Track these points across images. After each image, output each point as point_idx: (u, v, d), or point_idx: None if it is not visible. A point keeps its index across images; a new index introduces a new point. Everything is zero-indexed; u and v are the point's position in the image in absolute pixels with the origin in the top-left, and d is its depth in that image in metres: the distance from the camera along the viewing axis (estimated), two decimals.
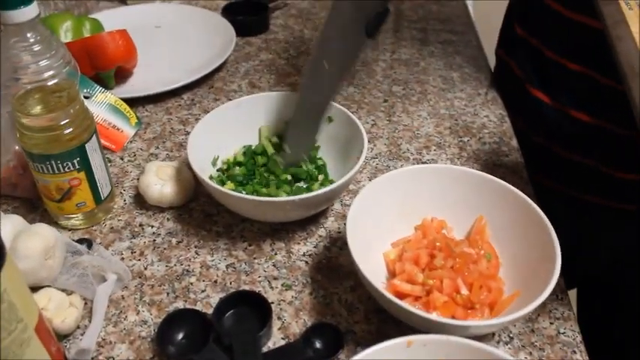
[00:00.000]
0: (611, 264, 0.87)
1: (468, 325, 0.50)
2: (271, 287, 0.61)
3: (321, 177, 0.70)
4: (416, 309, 0.49)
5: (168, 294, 0.60)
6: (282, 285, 0.61)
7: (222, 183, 0.68)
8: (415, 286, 0.55)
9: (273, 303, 0.59)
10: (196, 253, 0.64)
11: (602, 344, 0.83)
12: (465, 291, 0.55)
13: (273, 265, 0.63)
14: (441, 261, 0.56)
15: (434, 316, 0.52)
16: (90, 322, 0.56)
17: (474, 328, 0.50)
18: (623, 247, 0.80)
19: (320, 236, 0.66)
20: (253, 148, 0.72)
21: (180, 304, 0.59)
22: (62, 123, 0.59)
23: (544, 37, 0.78)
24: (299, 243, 0.66)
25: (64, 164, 0.61)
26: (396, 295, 0.54)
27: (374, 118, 0.85)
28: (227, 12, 1.05)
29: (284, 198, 0.63)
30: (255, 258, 0.64)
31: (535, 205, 0.58)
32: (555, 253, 0.54)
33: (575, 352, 0.56)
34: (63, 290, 0.57)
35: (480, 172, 0.63)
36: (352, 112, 0.83)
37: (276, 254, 0.64)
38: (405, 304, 0.49)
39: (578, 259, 0.71)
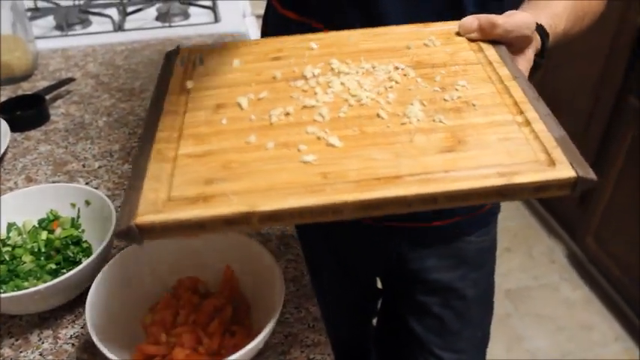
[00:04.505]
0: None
1: None
2: None
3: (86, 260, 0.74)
4: None
5: None
6: None
7: None
8: (160, 346, 0.61)
9: None
10: None
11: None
12: (206, 341, 0.61)
13: (40, 355, 0.66)
14: (182, 318, 0.62)
15: None
16: None
17: None
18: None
19: None
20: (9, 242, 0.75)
21: None
22: None
23: None
24: (67, 327, 0.69)
25: None
26: (146, 357, 0.60)
27: None
28: (3, 109, 1.06)
29: (22, 292, 0.64)
30: (21, 352, 0.66)
31: (265, 251, 0.66)
32: (278, 292, 0.61)
33: None
34: None
35: None
36: (125, 189, 0.88)
37: (43, 343, 0.67)
38: None
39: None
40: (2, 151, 0.95)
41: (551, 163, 0.48)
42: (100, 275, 0.64)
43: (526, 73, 0.62)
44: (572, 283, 2.07)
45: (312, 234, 0.85)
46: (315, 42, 0.66)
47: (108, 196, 0.77)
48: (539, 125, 0.51)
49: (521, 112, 0.53)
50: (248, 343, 0.58)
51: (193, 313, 0.63)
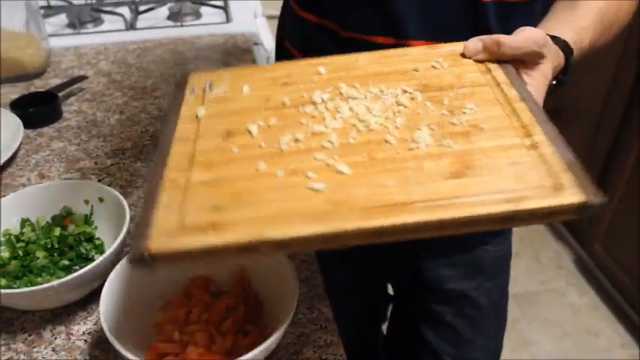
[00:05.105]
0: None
1: None
2: None
3: (98, 256, 0.74)
4: None
5: None
6: None
7: None
8: (173, 344, 0.61)
9: None
10: None
11: None
12: (219, 340, 0.61)
13: (53, 350, 0.66)
14: (195, 317, 0.63)
15: None
16: None
17: None
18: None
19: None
20: (22, 237, 0.75)
21: None
22: None
23: None
24: (79, 323, 0.69)
25: None
26: (158, 356, 0.60)
27: None
28: (17, 106, 1.07)
29: (35, 287, 0.65)
30: (34, 347, 0.67)
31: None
32: (292, 292, 0.61)
33: None
34: None
35: None
36: (139, 187, 0.89)
37: (56, 339, 0.68)
38: None
39: None
40: (15, 147, 0.96)
41: (559, 187, 0.47)
42: (113, 272, 0.64)
43: (544, 88, 0.61)
44: (579, 288, 2.07)
45: None
46: (323, 66, 0.65)
47: (120, 194, 0.77)
48: (546, 148, 0.51)
49: (529, 135, 0.52)
50: (261, 342, 0.58)
51: (206, 312, 0.63)
